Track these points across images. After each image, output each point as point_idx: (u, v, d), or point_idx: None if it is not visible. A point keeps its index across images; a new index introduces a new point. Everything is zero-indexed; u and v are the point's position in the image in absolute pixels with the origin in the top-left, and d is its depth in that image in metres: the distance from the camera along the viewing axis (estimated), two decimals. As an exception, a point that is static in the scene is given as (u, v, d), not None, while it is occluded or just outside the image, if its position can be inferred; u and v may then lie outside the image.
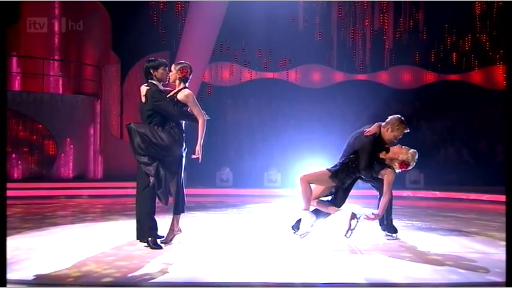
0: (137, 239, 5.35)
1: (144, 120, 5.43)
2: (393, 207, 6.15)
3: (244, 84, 23.20)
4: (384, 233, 6.07)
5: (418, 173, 15.72)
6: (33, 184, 14.05)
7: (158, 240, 5.29)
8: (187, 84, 5.59)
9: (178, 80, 5.55)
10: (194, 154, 5.45)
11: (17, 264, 4.26)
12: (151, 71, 5.52)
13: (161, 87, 5.54)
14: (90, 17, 16.87)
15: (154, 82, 5.50)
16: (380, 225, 6.09)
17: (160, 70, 5.54)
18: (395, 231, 6.03)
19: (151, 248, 5.14)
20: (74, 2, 16.74)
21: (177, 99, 5.46)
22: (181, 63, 5.71)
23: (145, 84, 5.49)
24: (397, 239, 5.94)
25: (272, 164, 15.76)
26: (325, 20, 23.43)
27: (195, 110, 5.48)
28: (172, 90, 5.60)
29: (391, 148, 5.88)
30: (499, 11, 23.16)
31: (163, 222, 5.58)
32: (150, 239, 5.23)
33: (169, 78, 5.63)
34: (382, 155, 5.82)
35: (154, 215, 5.35)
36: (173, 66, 5.64)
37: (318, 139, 14.85)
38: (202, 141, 5.47)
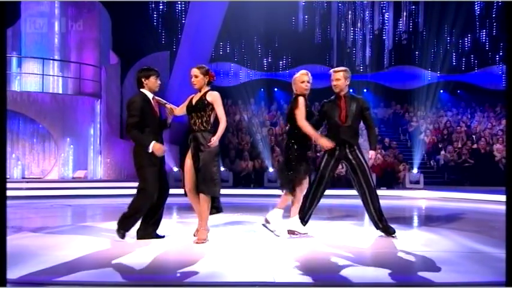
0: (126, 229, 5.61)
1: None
2: (392, 207, 6.15)
3: (244, 84, 23.20)
4: (382, 234, 6.05)
5: (418, 173, 15.74)
6: (33, 184, 14.06)
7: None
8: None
9: (207, 84, 5.68)
10: (209, 142, 5.49)
11: (17, 264, 4.25)
12: (143, 80, 5.67)
13: (150, 96, 5.64)
14: (90, 17, 16.86)
15: (144, 91, 5.65)
16: (377, 229, 6.08)
17: (152, 79, 5.67)
18: (393, 231, 6.02)
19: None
20: (74, 2, 16.74)
21: (208, 101, 5.56)
22: (203, 66, 5.78)
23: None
24: (396, 238, 5.93)
25: (273, 163, 15.77)
26: (325, 20, 23.44)
27: (220, 111, 5.57)
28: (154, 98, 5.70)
29: (296, 87, 6.04)
30: (498, 11, 23.15)
31: (163, 222, 5.57)
32: (122, 231, 5.56)
33: (193, 84, 5.67)
34: (299, 104, 5.91)
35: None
36: (196, 70, 5.67)
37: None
38: (218, 137, 5.54)
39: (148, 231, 5.69)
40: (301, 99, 5.92)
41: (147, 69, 5.76)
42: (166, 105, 5.87)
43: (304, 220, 5.98)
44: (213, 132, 5.53)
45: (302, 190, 6.00)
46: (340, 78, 6.00)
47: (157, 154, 5.50)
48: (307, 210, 5.97)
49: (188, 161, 5.62)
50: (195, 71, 5.67)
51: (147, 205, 5.58)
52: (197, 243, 5.46)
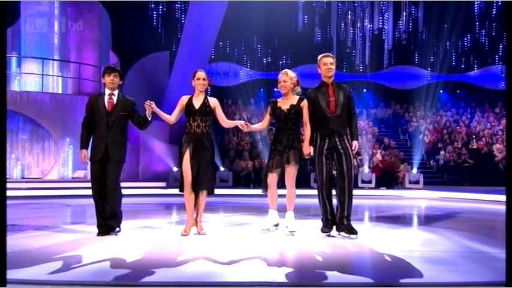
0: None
1: None
2: (391, 207, 6.12)
3: (244, 84, 23.20)
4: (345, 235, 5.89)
5: (417, 173, 15.73)
6: (33, 184, 14.04)
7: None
8: None
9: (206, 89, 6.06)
10: (242, 127, 6.04)
11: (17, 264, 4.23)
12: (102, 79, 6.06)
13: (106, 94, 5.94)
14: (90, 17, 16.85)
15: (105, 90, 5.99)
16: (339, 229, 5.92)
17: (105, 77, 5.98)
18: (357, 232, 5.85)
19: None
20: (74, 2, 16.73)
21: (211, 107, 5.94)
22: (203, 70, 6.09)
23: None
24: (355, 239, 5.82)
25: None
26: (325, 19, 23.43)
27: (223, 113, 6.09)
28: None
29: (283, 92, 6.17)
30: (498, 11, 23.12)
31: (162, 222, 5.56)
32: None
33: (202, 86, 5.95)
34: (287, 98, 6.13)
35: None
36: (204, 74, 5.99)
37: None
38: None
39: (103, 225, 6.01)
40: (270, 107, 6.21)
41: (104, 68, 6.11)
42: (160, 113, 6.11)
43: (328, 222, 5.98)
44: (211, 135, 5.98)
45: (271, 185, 6.09)
46: (333, 63, 5.95)
47: (79, 159, 6.15)
48: (325, 210, 5.96)
49: (189, 162, 5.83)
50: (203, 74, 6.00)
51: (94, 196, 6.01)
52: (203, 233, 5.95)
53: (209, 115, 5.93)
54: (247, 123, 6.14)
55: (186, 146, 5.88)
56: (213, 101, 6.01)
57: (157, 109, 6.03)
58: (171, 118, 6.08)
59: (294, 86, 6.11)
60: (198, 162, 5.80)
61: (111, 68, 6.08)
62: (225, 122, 6.15)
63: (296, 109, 6.02)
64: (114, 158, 5.90)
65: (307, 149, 6.02)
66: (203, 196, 5.96)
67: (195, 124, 5.88)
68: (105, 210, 5.97)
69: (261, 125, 6.47)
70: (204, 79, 5.96)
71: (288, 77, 6.08)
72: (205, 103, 5.92)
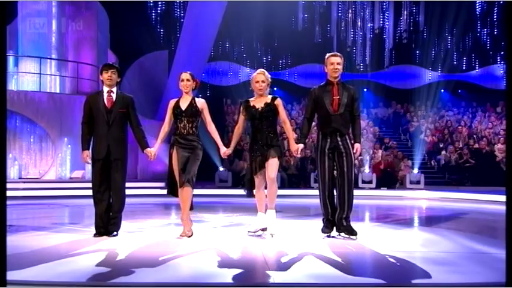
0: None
1: None
2: (392, 207, 6.05)
3: (243, 83, 23.14)
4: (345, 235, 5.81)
5: (418, 173, 15.65)
6: (30, 184, 13.98)
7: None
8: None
9: (193, 89, 5.96)
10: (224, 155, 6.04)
11: (17, 264, 4.19)
12: (100, 77, 5.99)
13: (104, 91, 5.87)
14: (88, 15, 16.79)
15: (101, 89, 5.92)
16: (339, 229, 5.85)
17: (103, 74, 5.94)
18: (356, 233, 5.77)
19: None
20: (74, 2, 16.67)
21: (198, 108, 5.85)
22: (188, 72, 5.98)
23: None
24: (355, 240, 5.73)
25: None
26: (325, 19, 23.38)
27: (209, 117, 5.94)
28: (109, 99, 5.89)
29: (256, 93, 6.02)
30: (500, 9, 23.04)
31: (161, 223, 5.49)
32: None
33: (186, 87, 5.88)
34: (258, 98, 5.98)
35: None
36: (188, 75, 5.90)
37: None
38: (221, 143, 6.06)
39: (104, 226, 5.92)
40: (242, 107, 6.04)
41: (102, 66, 6.08)
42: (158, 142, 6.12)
43: (329, 222, 5.88)
44: (198, 135, 5.88)
45: (258, 188, 5.98)
46: (341, 63, 5.92)
47: (82, 160, 5.93)
48: (327, 211, 5.86)
49: (176, 163, 5.84)
50: (187, 75, 5.92)
51: (95, 197, 5.85)
52: (188, 235, 5.85)
53: (196, 116, 5.85)
54: (227, 151, 6.02)
55: (172, 148, 5.88)
56: (201, 102, 5.92)
57: (156, 148, 6.05)
58: (166, 126, 6.05)
59: (268, 86, 6.02)
60: (182, 162, 5.76)
61: (109, 65, 6.07)
62: (211, 128, 5.97)
63: (271, 108, 5.89)
64: (116, 156, 5.81)
65: (295, 147, 5.93)
66: (185, 189, 5.76)
67: (182, 125, 5.84)
68: (106, 211, 5.86)
69: (238, 131, 6.20)
70: (188, 80, 5.87)
71: (265, 77, 5.96)
72: (192, 104, 5.85)
